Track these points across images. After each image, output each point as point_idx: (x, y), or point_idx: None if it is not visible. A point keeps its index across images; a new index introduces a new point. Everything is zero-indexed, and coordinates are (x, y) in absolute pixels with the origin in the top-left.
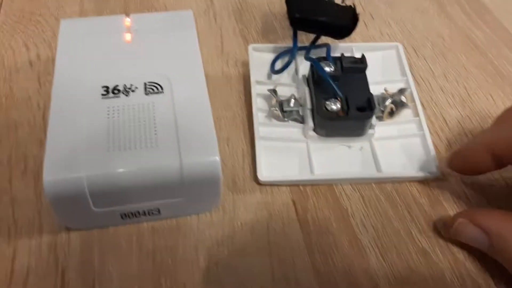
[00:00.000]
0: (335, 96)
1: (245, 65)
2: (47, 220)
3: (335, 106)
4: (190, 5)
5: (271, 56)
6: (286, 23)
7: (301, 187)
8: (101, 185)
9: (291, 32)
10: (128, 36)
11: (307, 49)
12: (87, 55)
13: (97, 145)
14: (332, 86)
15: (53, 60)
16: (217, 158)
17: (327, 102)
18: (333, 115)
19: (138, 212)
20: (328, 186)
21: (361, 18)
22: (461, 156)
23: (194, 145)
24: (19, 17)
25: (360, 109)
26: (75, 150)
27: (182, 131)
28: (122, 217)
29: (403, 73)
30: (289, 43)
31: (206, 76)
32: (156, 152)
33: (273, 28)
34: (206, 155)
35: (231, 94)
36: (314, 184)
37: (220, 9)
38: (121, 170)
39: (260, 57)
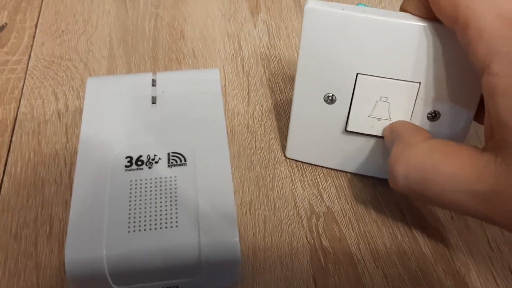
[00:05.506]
0: None
1: (271, 119)
2: None
3: None
4: (218, 50)
5: None
6: None
7: (322, 260)
8: (120, 265)
9: None
10: (153, 99)
11: None
12: (113, 119)
13: (118, 224)
14: None
15: (80, 111)
16: (237, 239)
17: None
18: None
19: None
20: (350, 263)
21: None
22: None
23: (214, 225)
24: (49, 61)
25: None
26: (97, 228)
27: (202, 209)
28: None
29: None
30: None
31: (232, 130)
32: (175, 232)
33: None
34: (225, 236)
35: (255, 152)
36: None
37: (248, 55)
38: (140, 251)
39: None
